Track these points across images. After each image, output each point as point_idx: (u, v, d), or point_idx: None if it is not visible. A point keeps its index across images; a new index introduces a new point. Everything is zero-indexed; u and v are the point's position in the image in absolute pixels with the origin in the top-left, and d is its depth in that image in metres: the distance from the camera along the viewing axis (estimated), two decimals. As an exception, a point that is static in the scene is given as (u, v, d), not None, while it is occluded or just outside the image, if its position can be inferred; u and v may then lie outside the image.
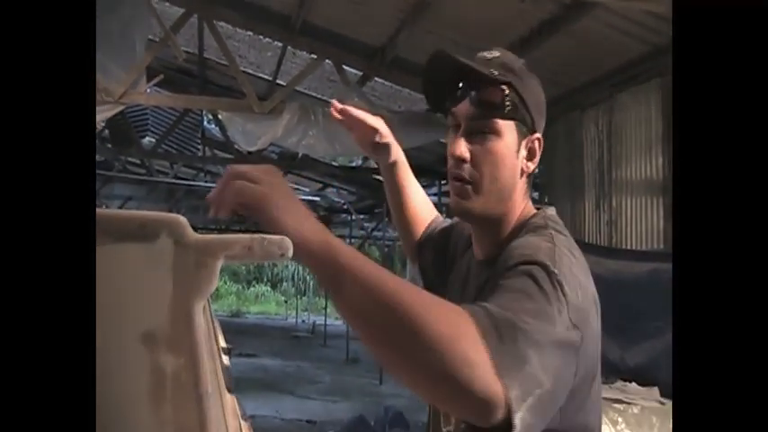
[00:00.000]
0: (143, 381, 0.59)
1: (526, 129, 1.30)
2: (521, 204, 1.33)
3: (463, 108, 1.29)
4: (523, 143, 1.30)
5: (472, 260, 1.41)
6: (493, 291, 1.07)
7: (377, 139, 1.61)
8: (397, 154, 1.67)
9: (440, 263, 1.60)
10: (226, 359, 1.40)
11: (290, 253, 0.70)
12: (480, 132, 1.28)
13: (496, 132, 1.28)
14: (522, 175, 1.31)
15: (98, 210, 0.60)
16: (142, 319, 0.60)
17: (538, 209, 1.36)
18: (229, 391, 1.27)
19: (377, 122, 1.61)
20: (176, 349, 0.59)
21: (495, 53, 1.31)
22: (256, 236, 0.66)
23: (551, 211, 1.34)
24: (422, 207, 1.74)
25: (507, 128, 1.28)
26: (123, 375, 0.59)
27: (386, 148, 1.64)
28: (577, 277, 1.13)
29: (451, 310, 0.96)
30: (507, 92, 1.27)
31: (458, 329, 0.93)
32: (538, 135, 1.31)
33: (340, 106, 1.58)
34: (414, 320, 0.89)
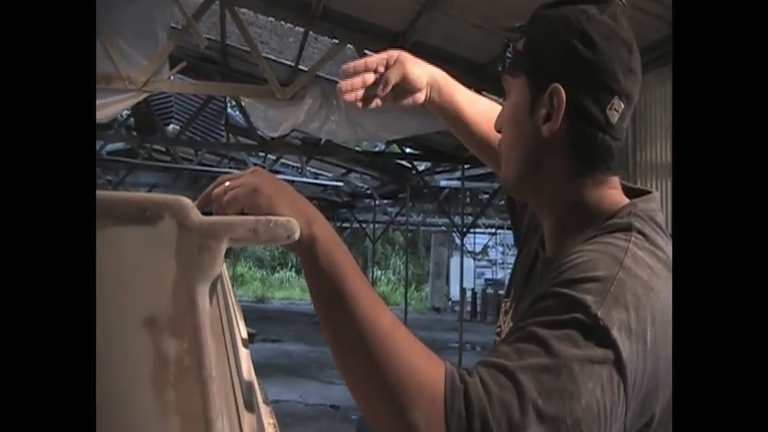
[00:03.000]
0: (145, 365, 0.58)
1: (541, 80, 1.04)
2: (576, 187, 1.05)
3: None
4: (537, 100, 1.05)
5: (540, 251, 1.17)
6: (515, 331, 0.89)
7: (417, 95, 1.35)
8: (432, 80, 1.37)
9: (526, 215, 1.33)
10: (246, 356, 1.39)
11: (297, 235, 0.69)
12: (507, 93, 1.12)
13: (509, 90, 1.11)
14: (540, 137, 1.04)
15: (99, 192, 0.60)
16: (144, 302, 0.59)
17: (638, 193, 1.08)
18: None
19: (394, 74, 1.30)
20: (179, 333, 0.58)
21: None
22: (261, 218, 0.65)
23: (645, 203, 1.04)
24: (487, 118, 1.38)
25: (516, 85, 1.09)
26: (125, 359, 0.59)
27: (425, 89, 1.36)
28: (650, 305, 0.90)
29: (429, 385, 0.83)
30: (515, 41, 1.10)
31: (421, 403, 0.82)
32: (554, 86, 1.02)
33: (347, 84, 1.27)
34: (387, 375, 0.83)
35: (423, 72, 1.35)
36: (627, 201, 1.06)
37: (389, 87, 1.29)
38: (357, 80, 1.26)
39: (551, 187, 1.07)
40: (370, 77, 1.28)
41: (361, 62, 1.28)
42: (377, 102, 1.30)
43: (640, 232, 0.98)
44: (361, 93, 1.27)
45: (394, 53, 1.32)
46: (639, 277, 0.91)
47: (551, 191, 1.07)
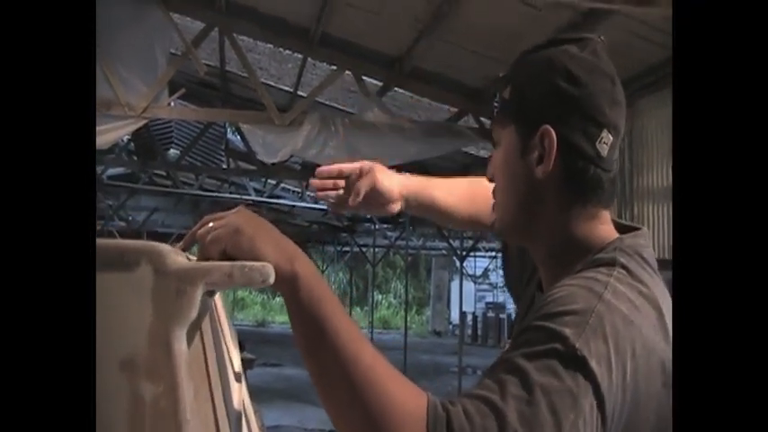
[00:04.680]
0: (122, 407, 0.59)
1: (530, 124, 1.05)
2: (570, 226, 1.06)
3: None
4: (528, 144, 1.06)
5: (537, 292, 1.19)
6: (498, 363, 0.91)
7: (389, 206, 1.40)
8: (406, 191, 1.42)
9: (520, 263, 1.33)
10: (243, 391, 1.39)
11: (272, 279, 0.70)
12: (496, 143, 1.14)
13: (498, 139, 1.12)
14: (535, 179, 1.05)
15: (78, 240, 0.61)
16: (122, 346, 0.61)
17: (629, 229, 1.09)
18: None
19: (367, 183, 1.36)
20: (155, 376, 0.59)
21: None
22: (237, 263, 0.67)
23: (632, 238, 1.05)
24: (469, 197, 1.44)
25: (506, 133, 1.10)
26: (102, 401, 0.60)
27: (398, 200, 1.41)
28: (629, 338, 0.91)
29: (411, 414, 0.85)
30: (501, 89, 1.10)
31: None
32: (544, 127, 1.03)
33: (319, 182, 1.37)
34: (370, 407, 0.85)
35: (394, 183, 1.40)
36: (616, 236, 1.07)
37: (360, 197, 1.35)
38: (329, 184, 1.36)
39: (546, 226, 1.07)
40: (342, 184, 1.37)
41: (335, 168, 1.37)
42: (347, 205, 1.37)
43: (624, 267, 0.99)
44: (332, 194, 1.36)
45: (367, 164, 1.38)
46: (619, 311, 0.92)
47: (546, 230, 1.08)
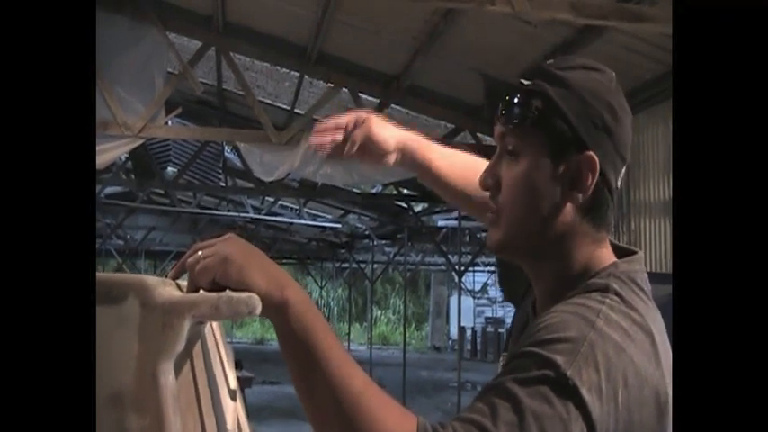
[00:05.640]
0: (109, 442, 0.60)
1: (567, 145, 1.03)
2: (577, 248, 1.06)
3: (497, 129, 1.10)
4: (564, 166, 1.03)
5: (531, 312, 1.18)
6: (489, 388, 0.92)
7: (384, 158, 1.39)
8: (403, 144, 1.40)
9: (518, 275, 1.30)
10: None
11: (258, 310, 0.70)
12: (507, 152, 1.08)
13: (519, 149, 1.06)
14: (565, 204, 1.04)
15: (65, 274, 0.61)
16: (108, 380, 0.61)
17: (626, 252, 1.10)
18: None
19: (364, 133, 1.35)
20: (142, 410, 0.59)
21: (554, 60, 1.11)
22: (223, 294, 0.67)
23: (627, 264, 1.06)
24: (463, 173, 1.41)
25: (536, 147, 1.04)
26: (90, 437, 0.60)
27: (393, 152, 1.40)
28: (622, 367, 0.91)
29: None
30: (531, 99, 1.05)
31: None
32: (588, 154, 1.02)
33: (317, 140, 1.36)
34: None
35: (391, 135, 1.39)
36: (612, 259, 1.07)
37: (355, 147, 1.35)
38: (327, 139, 1.35)
39: (556, 247, 1.06)
40: (339, 136, 1.36)
41: (331, 122, 1.36)
42: (344, 153, 1.37)
43: (617, 294, 0.99)
44: (328, 140, 1.35)
45: (363, 114, 1.38)
46: (612, 339, 0.92)
47: (554, 251, 1.06)
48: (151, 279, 0.63)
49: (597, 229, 1.06)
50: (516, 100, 1.06)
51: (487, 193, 1.12)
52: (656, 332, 0.98)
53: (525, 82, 1.07)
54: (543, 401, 0.86)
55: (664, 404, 0.94)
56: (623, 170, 1.07)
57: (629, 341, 0.94)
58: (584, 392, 0.87)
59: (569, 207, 1.04)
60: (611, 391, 0.89)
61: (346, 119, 1.36)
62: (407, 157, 1.41)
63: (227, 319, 0.69)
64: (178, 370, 0.64)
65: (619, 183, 1.07)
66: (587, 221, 1.05)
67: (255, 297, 0.71)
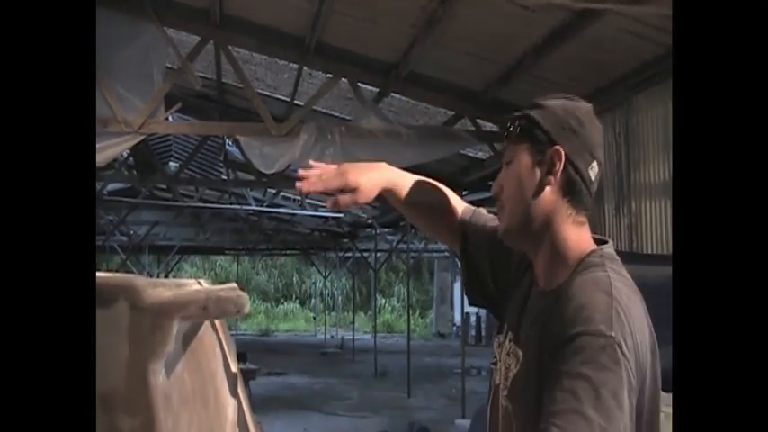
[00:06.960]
0: (99, 442, 0.60)
1: (542, 144, 1.40)
2: (563, 229, 1.40)
3: (503, 150, 1.53)
4: (540, 159, 1.40)
5: (533, 286, 1.48)
6: (553, 378, 1.20)
7: (355, 200, 1.60)
8: (378, 187, 1.64)
9: (501, 267, 1.62)
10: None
11: (246, 309, 0.71)
12: (506, 164, 1.47)
13: (512, 158, 1.45)
14: (543, 187, 1.40)
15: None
16: (99, 381, 0.61)
17: (598, 240, 1.44)
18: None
19: (341, 179, 1.59)
20: (132, 410, 0.60)
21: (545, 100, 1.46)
22: (211, 294, 0.67)
23: (609, 248, 1.41)
24: (435, 199, 1.73)
25: (521, 151, 1.43)
26: (80, 437, 0.60)
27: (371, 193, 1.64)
28: (635, 322, 1.24)
29: None
30: (519, 121, 1.44)
31: None
32: (555, 147, 1.39)
33: (304, 187, 1.57)
34: None
35: (372, 188, 1.62)
36: (593, 244, 1.43)
37: (331, 204, 1.60)
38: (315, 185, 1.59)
39: (547, 228, 1.41)
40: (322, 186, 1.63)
41: (315, 171, 1.60)
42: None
43: (612, 268, 1.35)
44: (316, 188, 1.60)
45: (342, 167, 1.62)
46: (623, 300, 1.26)
47: (547, 231, 1.41)
48: (141, 280, 0.63)
49: (576, 211, 1.42)
50: (508, 124, 1.47)
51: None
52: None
53: (517, 113, 1.46)
54: (606, 370, 1.16)
55: (653, 347, 1.29)
56: (597, 168, 1.41)
57: (633, 300, 1.29)
58: (624, 348, 1.18)
59: (548, 190, 1.41)
60: (631, 340, 1.21)
61: (328, 170, 1.60)
62: (387, 196, 1.69)
63: (216, 318, 0.70)
64: (171, 369, 0.65)
65: (593, 176, 1.41)
66: (567, 203, 1.40)
67: (243, 296, 0.71)
